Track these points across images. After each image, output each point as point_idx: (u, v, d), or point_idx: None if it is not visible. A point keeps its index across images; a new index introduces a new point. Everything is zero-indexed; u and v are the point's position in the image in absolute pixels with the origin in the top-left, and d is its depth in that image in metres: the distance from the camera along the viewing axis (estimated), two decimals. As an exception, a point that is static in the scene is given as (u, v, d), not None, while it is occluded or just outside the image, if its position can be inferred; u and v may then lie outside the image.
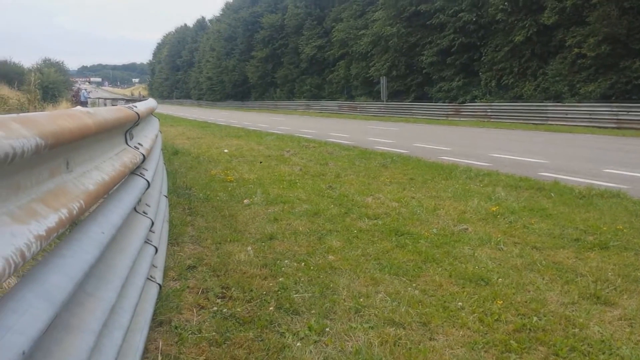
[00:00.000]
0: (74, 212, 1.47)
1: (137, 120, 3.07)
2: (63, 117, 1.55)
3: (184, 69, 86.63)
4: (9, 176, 1.20)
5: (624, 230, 4.93)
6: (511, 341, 2.76)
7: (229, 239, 4.58)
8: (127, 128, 2.92)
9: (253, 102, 58.37)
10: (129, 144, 2.91)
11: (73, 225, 1.95)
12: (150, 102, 5.11)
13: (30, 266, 1.61)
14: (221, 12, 72.84)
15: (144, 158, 2.97)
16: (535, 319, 3.04)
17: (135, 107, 3.17)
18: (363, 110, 37.33)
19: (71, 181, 1.66)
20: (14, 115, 1.29)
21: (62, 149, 1.56)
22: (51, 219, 1.29)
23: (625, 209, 5.84)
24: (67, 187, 1.57)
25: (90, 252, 1.64)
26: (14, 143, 1.08)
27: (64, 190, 1.53)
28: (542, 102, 24.62)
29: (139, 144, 3.14)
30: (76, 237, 1.66)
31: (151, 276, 3.03)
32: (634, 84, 21.13)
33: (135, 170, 2.89)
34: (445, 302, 3.28)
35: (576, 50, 22.86)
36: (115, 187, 2.34)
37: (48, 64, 50.60)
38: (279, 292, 3.35)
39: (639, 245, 4.50)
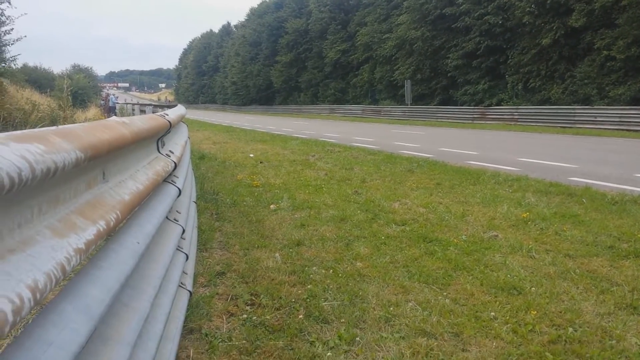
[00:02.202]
0: (111, 223, 1.47)
1: (169, 128, 3.09)
2: (100, 129, 1.56)
3: (210, 74, 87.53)
4: (49, 190, 1.21)
5: (660, 238, 4.79)
6: (546, 353, 2.70)
7: (256, 245, 4.59)
8: (159, 136, 2.94)
9: (277, 107, 58.63)
10: (160, 151, 2.93)
11: (109, 235, 1.97)
12: (180, 109, 5.15)
13: (68, 278, 1.63)
14: (246, 18, 73.40)
15: (175, 166, 2.99)
16: (570, 330, 2.96)
17: (167, 115, 3.20)
18: (387, 114, 37.16)
19: (107, 192, 1.67)
20: (54, 128, 1.30)
21: (99, 160, 1.57)
22: (90, 232, 1.30)
23: (660, 215, 5.69)
24: (103, 198, 1.59)
25: (127, 262, 1.65)
26: (56, 157, 1.08)
27: (100, 202, 1.54)
28: (570, 105, 24.18)
29: (170, 151, 3.16)
30: (112, 247, 1.67)
31: (182, 283, 3.04)
32: (665, 86, 20.64)
33: (167, 178, 2.91)
34: (477, 311, 3.22)
35: (605, 52, 22.42)
36: (148, 196, 2.36)
37: (77, 69, 51.69)
38: (308, 300, 3.34)
39: (676, 253, 4.37)
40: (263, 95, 63.54)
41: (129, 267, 1.64)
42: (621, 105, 21.61)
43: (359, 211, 6.06)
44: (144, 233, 1.98)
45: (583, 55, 24.66)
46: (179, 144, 3.80)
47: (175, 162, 2.97)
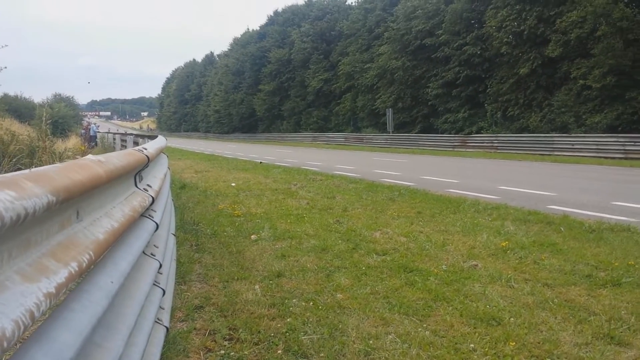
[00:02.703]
0: (84, 264, 1.46)
1: (147, 163, 3.09)
2: (74, 169, 1.56)
3: (192, 102, 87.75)
4: (20, 234, 1.20)
5: (636, 266, 4.86)
6: (525, 385, 2.70)
7: (236, 277, 4.56)
8: (137, 171, 2.94)
9: (260, 135, 58.84)
10: (138, 186, 2.92)
11: (81, 276, 1.95)
12: (160, 142, 5.15)
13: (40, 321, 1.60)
14: (229, 47, 74.07)
15: (153, 200, 2.98)
16: (548, 361, 2.98)
17: (145, 149, 3.19)
18: (369, 141, 37.50)
19: (81, 231, 1.66)
20: (26, 172, 1.30)
21: (73, 201, 1.57)
22: (61, 275, 1.28)
23: (636, 243, 5.78)
24: (77, 238, 1.58)
25: (100, 303, 1.63)
26: (26, 204, 1.08)
27: (74, 242, 1.53)
28: (549, 133, 24.67)
29: (148, 185, 3.15)
30: (85, 289, 1.65)
31: (158, 319, 3.00)
32: (640, 114, 21.19)
33: (145, 213, 2.90)
34: (456, 343, 3.23)
35: (581, 81, 23.04)
36: (124, 233, 2.34)
37: (59, 98, 51.40)
38: (287, 334, 3.31)
39: (652, 281, 4.44)
40: (246, 124, 63.76)
41: (101, 307, 1.62)
42: (598, 133, 22.12)
43: (340, 241, 6.06)
44: (119, 271, 1.97)
45: (560, 84, 25.29)
46: (157, 177, 3.79)
47: (152, 197, 2.96)
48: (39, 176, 1.29)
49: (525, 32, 25.59)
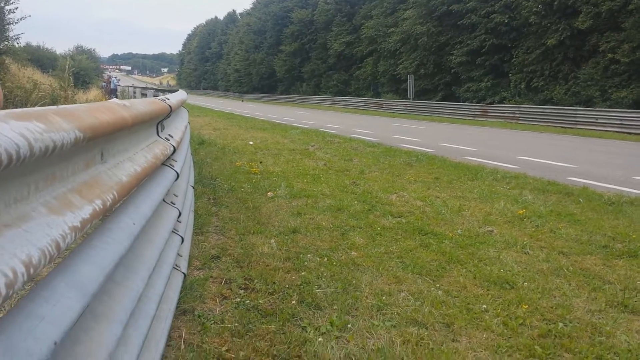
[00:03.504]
0: (108, 203, 1.49)
1: (169, 113, 3.11)
2: (101, 110, 1.58)
3: (213, 60, 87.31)
4: (46, 167, 1.22)
5: (654, 239, 4.82)
6: (536, 346, 2.73)
7: (252, 231, 4.62)
8: (159, 120, 2.96)
9: (279, 96, 58.53)
10: (160, 135, 2.95)
11: (105, 215, 1.99)
12: (181, 94, 5.16)
13: (63, 256, 1.65)
14: (252, 6, 73.08)
15: (174, 150, 3.00)
16: (561, 325, 3.00)
17: (168, 99, 3.21)
18: (389, 107, 37.09)
19: (105, 172, 1.68)
20: (54, 107, 1.31)
21: (98, 141, 1.59)
22: (85, 210, 1.31)
23: (655, 217, 5.71)
24: (101, 179, 1.60)
25: (122, 242, 1.67)
26: (55, 137, 1.09)
27: (98, 182, 1.56)
28: (572, 106, 24.18)
29: (170, 135, 3.18)
30: (108, 227, 1.69)
31: (177, 265, 3.07)
32: (667, 91, 20.63)
33: (166, 162, 2.93)
34: (469, 304, 3.25)
35: (610, 55, 22.40)
36: (146, 178, 2.38)
37: (80, 50, 51.50)
38: (302, 286, 3.37)
39: (669, 254, 4.40)
40: (265, 84, 63.40)
41: (123, 247, 1.66)
42: (623, 108, 21.61)
43: (356, 202, 6.08)
44: (140, 214, 2.01)
45: (588, 57, 24.63)
46: (178, 128, 3.82)
47: (174, 146, 2.98)
48: (68, 113, 1.30)
49: (556, 2, 24.76)
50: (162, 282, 2.36)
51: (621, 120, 21.08)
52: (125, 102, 2.07)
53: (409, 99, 35.26)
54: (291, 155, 10.05)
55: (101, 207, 1.42)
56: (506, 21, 28.43)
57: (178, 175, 2.99)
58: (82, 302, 1.24)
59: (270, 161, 9.19)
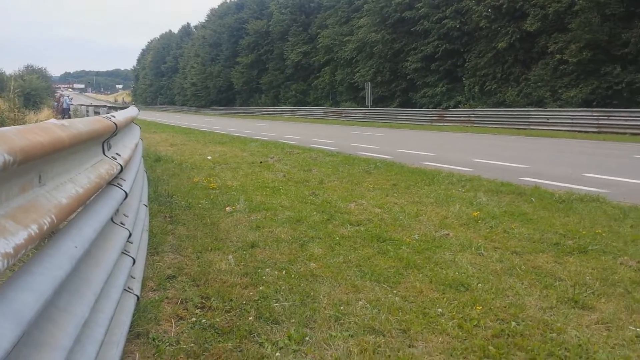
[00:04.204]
0: (45, 227, 1.45)
1: (115, 131, 3.05)
2: (35, 132, 1.54)
3: (168, 75, 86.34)
4: (-25, 194, 1.18)
5: (603, 234, 5.00)
6: (490, 347, 2.78)
7: (210, 248, 4.56)
8: (104, 138, 2.90)
9: (238, 108, 58.32)
10: (106, 154, 2.89)
11: (43, 239, 1.93)
12: (131, 111, 5.07)
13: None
14: (206, 19, 72.75)
15: (122, 168, 2.95)
16: (513, 324, 3.06)
17: (114, 117, 3.15)
18: (348, 115, 37.44)
19: (43, 195, 1.64)
20: (-20, 132, 1.28)
21: (33, 164, 1.54)
22: (20, 236, 1.27)
23: (604, 213, 5.92)
24: (38, 202, 1.56)
25: (62, 267, 1.63)
26: (-21, 161, 1.06)
27: (35, 205, 1.52)
28: (525, 108, 24.93)
29: (117, 154, 3.12)
30: (48, 252, 1.65)
31: (129, 287, 3.00)
32: (614, 89, 21.51)
33: (113, 181, 2.87)
34: (425, 308, 3.29)
35: (558, 56, 23.22)
36: (91, 199, 2.32)
37: (30, 70, 50.07)
38: (259, 301, 3.34)
39: (617, 249, 4.57)
40: (223, 97, 63.08)
41: (64, 272, 1.61)
42: (573, 108, 22.41)
43: (315, 212, 6.09)
44: (83, 237, 1.96)
45: (537, 58, 25.47)
46: (128, 146, 3.75)
47: (121, 165, 2.93)
48: (-3, 136, 1.27)
49: (504, 6, 25.60)
50: (111, 306, 2.30)
51: (572, 119, 21.86)
52: (64, 121, 2.02)
53: (368, 107, 35.67)
54: (250, 169, 10.00)
55: (37, 231, 1.38)
56: (458, 26, 29.20)
57: (127, 195, 2.93)
58: (17, 331, 1.20)
59: (229, 175, 9.12)
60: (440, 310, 3.25)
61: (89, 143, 2.44)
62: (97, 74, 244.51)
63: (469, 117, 27.45)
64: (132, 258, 2.96)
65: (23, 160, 1.34)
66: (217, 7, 69.72)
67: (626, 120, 19.88)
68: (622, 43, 21.23)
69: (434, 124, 29.04)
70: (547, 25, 24.00)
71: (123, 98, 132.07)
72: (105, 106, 25.95)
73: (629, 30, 20.94)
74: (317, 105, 44.45)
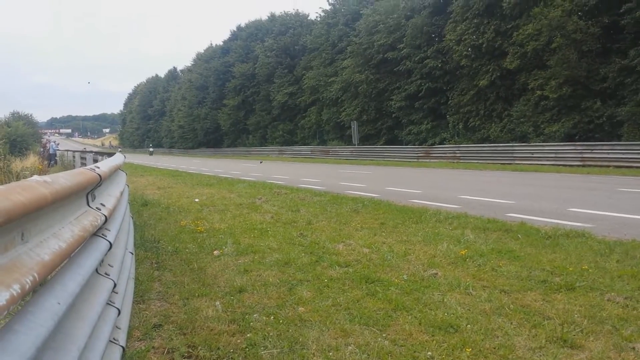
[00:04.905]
0: (27, 286, 1.45)
1: (100, 182, 3.06)
2: (16, 191, 1.55)
3: (155, 118, 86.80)
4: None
5: (590, 270, 5.03)
6: (480, 391, 2.76)
7: (197, 294, 4.52)
8: (88, 190, 2.90)
9: (226, 149, 58.58)
10: (90, 205, 2.89)
11: (24, 298, 1.91)
12: (116, 159, 5.09)
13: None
14: (192, 63, 73.64)
15: (106, 219, 2.94)
16: (503, 366, 3.05)
17: (98, 167, 3.16)
18: (335, 154, 37.75)
19: (26, 253, 1.64)
20: (-37, 194, 1.29)
21: (16, 223, 1.55)
22: (2, 297, 1.27)
23: (590, 248, 5.96)
24: (21, 260, 1.55)
25: (45, 325, 1.61)
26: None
27: (17, 264, 1.51)
28: (509, 143, 25.32)
29: (102, 204, 3.12)
30: (30, 310, 1.63)
31: (114, 338, 2.95)
32: (595, 123, 21.96)
33: (97, 232, 2.86)
34: (415, 352, 3.27)
35: (539, 92, 23.75)
36: (73, 253, 2.31)
37: (17, 117, 49.98)
38: (247, 349, 3.30)
39: (604, 285, 4.59)
40: (211, 138, 63.42)
41: (46, 329, 1.60)
42: (556, 142, 22.80)
43: (303, 254, 6.07)
44: (66, 292, 1.94)
45: (519, 95, 26.03)
46: (112, 195, 3.75)
47: (106, 216, 2.92)
48: (-24, 198, 1.28)
49: (484, 45, 26.29)
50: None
51: (555, 153, 22.21)
52: (47, 177, 2.02)
53: (354, 145, 36.01)
54: (238, 210, 9.98)
55: (19, 291, 1.38)
56: (439, 65, 29.87)
57: (111, 245, 2.92)
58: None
59: (217, 218, 9.09)
60: (429, 353, 3.23)
61: (72, 197, 2.44)
62: (84, 118, 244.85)
63: (455, 153, 27.80)
64: (117, 309, 2.92)
65: (5, 221, 1.35)
66: (203, 51, 70.78)
67: (609, 153, 20.23)
68: (601, 78, 21.80)
69: (420, 160, 29.33)
70: (527, 62, 24.62)
71: (110, 142, 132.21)
72: (91, 151, 25.91)
73: (606, 66, 21.53)
74: (304, 144, 44.81)
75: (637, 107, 20.08)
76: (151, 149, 71.63)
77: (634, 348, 3.27)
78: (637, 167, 18.36)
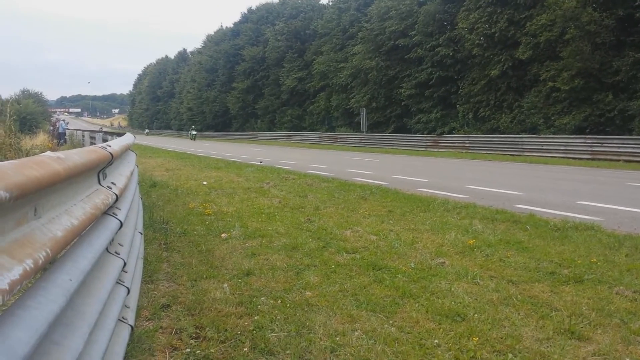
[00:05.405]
0: (40, 261, 1.44)
1: (111, 160, 3.05)
2: (30, 166, 1.54)
3: (165, 99, 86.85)
4: (-30, 230, 1.18)
5: (598, 264, 5.00)
6: (486, 380, 2.76)
7: (205, 276, 4.54)
8: (100, 168, 2.90)
9: (234, 133, 58.60)
10: (101, 183, 2.89)
11: (37, 273, 1.92)
12: (126, 139, 5.09)
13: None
14: (202, 45, 73.54)
15: (117, 198, 2.94)
16: (510, 355, 3.05)
17: (109, 146, 3.16)
18: (343, 141, 37.67)
19: (39, 228, 1.63)
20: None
21: (29, 198, 1.54)
22: (15, 271, 1.27)
23: (599, 241, 5.93)
24: (34, 235, 1.55)
25: (57, 301, 1.61)
26: (-24, 198, 1.06)
27: (30, 239, 1.51)
28: (519, 134, 25.15)
29: (112, 183, 3.11)
30: (42, 285, 1.63)
31: (123, 317, 2.97)
32: (607, 116, 21.75)
33: (108, 211, 2.86)
34: (421, 339, 3.27)
35: (550, 84, 23.52)
36: (85, 230, 2.31)
37: (27, 94, 50.21)
38: (254, 332, 3.31)
39: (613, 278, 4.56)
40: (220, 122, 63.42)
41: (58, 305, 1.60)
42: (566, 134, 22.63)
43: (310, 239, 6.07)
44: (78, 269, 1.94)
45: (530, 86, 25.79)
46: (123, 174, 3.74)
47: (116, 195, 2.92)
48: (-7, 172, 1.27)
49: (497, 35, 26.01)
50: (105, 338, 2.27)
51: (565, 146, 22.06)
52: (60, 154, 2.02)
53: (363, 132, 35.91)
54: (246, 194, 9.99)
55: (32, 266, 1.38)
56: (451, 54, 29.61)
57: (122, 224, 2.92)
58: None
59: (225, 201, 9.11)
60: (436, 341, 3.23)
61: (84, 174, 2.44)
62: (94, 98, 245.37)
63: (464, 143, 27.66)
64: (127, 288, 2.93)
65: (19, 195, 1.34)
66: (213, 33, 70.63)
67: (619, 147, 20.07)
68: (614, 71, 21.56)
69: (428, 149, 29.23)
70: (539, 53, 24.37)
71: (119, 122, 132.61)
72: (100, 131, 25.97)
73: (619, 59, 21.28)
74: (312, 131, 44.74)
75: (650, 101, 19.88)
76: (147, 131, 72.67)
77: (641, 342, 3.25)
78: (647, 161, 18.20)
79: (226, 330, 3.33)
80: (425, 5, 30.86)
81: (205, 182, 12.02)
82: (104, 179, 2.99)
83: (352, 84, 38.30)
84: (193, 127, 60.62)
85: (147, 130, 74.15)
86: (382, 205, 8.56)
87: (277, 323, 3.47)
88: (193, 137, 55.13)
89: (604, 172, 15.88)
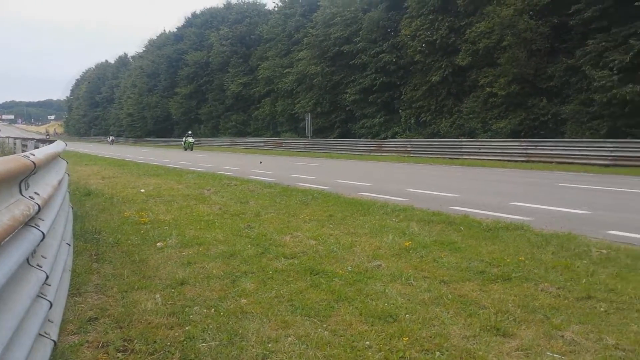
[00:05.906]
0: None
1: (34, 169, 2.95)
2: None
3: (103, 105, 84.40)
4: None
5: (526, 262, 5.21)
6: (414, 379, 2.83)
7: (136, 287, 4.43)
8: (21, 178, 2.79)
9: (176, 139, 57.49)
10: (23, 194, 2.79)
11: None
12: (55, 146, 4.91)
13: None
14: (144, 49, 71.86)
15: (39, 208, 2.84)
16: (437, 354, 3.14)
17: (33, 155, 3.05)
18: (288, 146, 37.70)
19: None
20: None
21: None
22: None
23: (527, 240, 6.18)
24: None
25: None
26: None
27: None
28: (458, 138, 25.93)
29: (36, 193, 3.01)
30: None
31: (45, 332, 2.86)
32: (541, 120, 22.78)
33: (29, 222, 2.76)
34: (353, 341, 3.32)
35: (488, 89, 24.39)
36: (3, 242, 2.23)
37: (-46, 100, 47.55)
38: (185, 342, 3.27)
39: (539, 275, 4.77)
40: (161, 127, 62.12)
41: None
42: (502, 138, 23.51)
43: (249, 246, 6.04)
44: (-11, 284, 1.87)
45: (469, 91, 26.66)
46: (49, 184, 3.62)
47: (39, 205, 2.82)
48: None
49: (438, 41, 26.74)
50: (22, 354, 2.19)
51: (501, 149, 22.92)
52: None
53: (308, 137, 36.05)
54: (185, 202, 9.83)
55: None
56: (394, 60, 30.22)
57: (44, 236, 2.82)
58: None
59: (162, 209, 8.93)
60: (368, 343, 3.29)
61: (2, 185, 2.35)
62: (29, 104, 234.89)
63: (406, 147, 28.25)
64: (49, 302, 2.83)
65: None
66: (155, 37, 69.19)
67: (552, 149, 21.02)
68: (548, 77, 22.59)
69: (372, 154, 29.68)
70: (478, 60, 25.21)
71: (55, 129, 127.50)
72: (33, 139, 24.93)
73: (553, 65, 22.32)
74: (257, 136, 44.53)
75: (580, 105, 20.91)
76: (111, 138, 67.20)
77: (562, 336, 3.42)
78: (578, 163, 19.13)
79: (155, 342, 3.27)
80: (369, 13, 31.34)
81: (142, 190, 11.74)
82: (26, 189, 2.88)
83: (298, 90, 38.41)
84: (190, 133, 44.10)
85: (111, 138, 66.63)
86: (323, 210, 8.62)
87: (209, 332, 3.44)
88: (190, 146, 41.50)
89: (537, 173, 16.59)
